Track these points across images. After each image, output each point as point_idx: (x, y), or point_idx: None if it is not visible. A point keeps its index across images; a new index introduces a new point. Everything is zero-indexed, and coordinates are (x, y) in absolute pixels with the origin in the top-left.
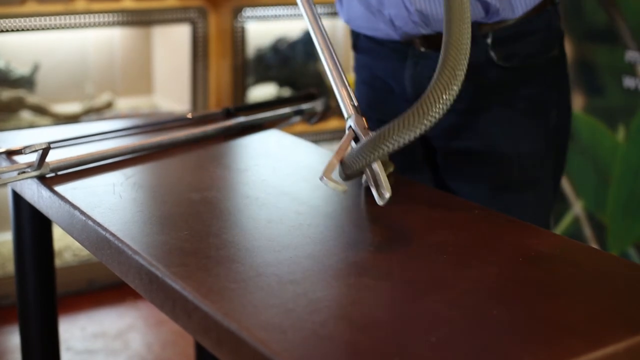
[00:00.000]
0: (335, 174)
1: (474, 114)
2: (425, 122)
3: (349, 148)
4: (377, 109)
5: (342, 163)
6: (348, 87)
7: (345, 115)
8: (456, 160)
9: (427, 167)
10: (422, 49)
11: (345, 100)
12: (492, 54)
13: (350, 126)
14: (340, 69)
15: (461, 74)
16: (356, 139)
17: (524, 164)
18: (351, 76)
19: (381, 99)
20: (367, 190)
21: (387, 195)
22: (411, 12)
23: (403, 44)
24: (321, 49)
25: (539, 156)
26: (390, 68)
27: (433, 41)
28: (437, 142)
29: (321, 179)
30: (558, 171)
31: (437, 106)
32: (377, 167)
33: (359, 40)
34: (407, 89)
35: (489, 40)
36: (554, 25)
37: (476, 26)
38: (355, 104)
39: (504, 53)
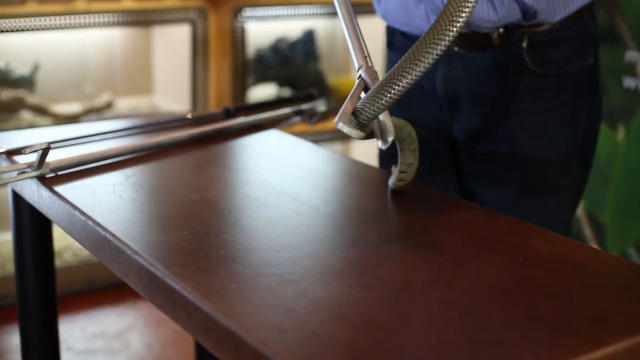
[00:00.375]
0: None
1: (503, 118)
2: (429, 58)
3: (360, 97)
4: (406, 108)
5: (354, 111)
6: (361, 38)
7: (357, 66)
8: (482, 163)
9: (452, 170)
10: (456, 49)
11: (357, 50)
12: (527, 58)
13: (361, 75)
14: (354, 20)
15: (462, 19)
16: (366, 89)
17: (550, 169)
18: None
19: (411, 99)
20: (367, 190)
21: (391, 138)
22: None
23: None
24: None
25: (565, 163)
26: None
27: (467, 41)
28: (464, 145)
29: (336, 123)
30: (582, 179)
31: (440, 42)
32: (382, 114)
33: (394, 38)
34: (437, 88)
35: (524, 44)
36: (590, 34)
37: (513, 28)
38: (367, 54)
39: (538, 58)
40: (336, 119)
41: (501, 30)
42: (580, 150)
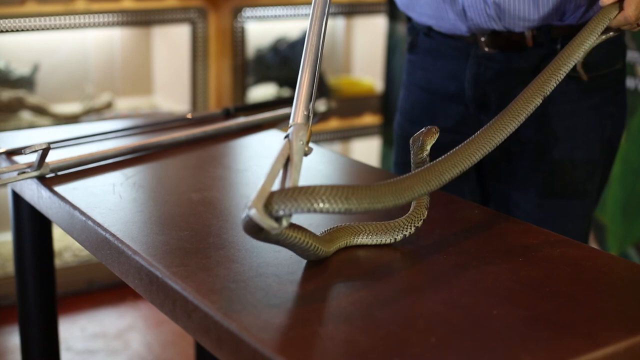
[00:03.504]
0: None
1: (532, 120)
2: (382, 203)
3: (279, 173)
4: (431, 114)
5: (272, 199)
6: (315, 88)
7: (290, 121)
8: (508, 166)
9: (476, 176)
10: (486, 49)
11: (301, 101)
12: None
13: (288, 137)
14: (318, 67)
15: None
16: (288, 161)
17: (576, 173)
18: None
19: (436, 104)
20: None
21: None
22: (488, 3)
23: (466, 43)
24: (310, 37)
25: (590, 167)
26: (450, 68)
27: (499, 40)
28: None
29: (249, 209)
30: (602, 183)
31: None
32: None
33: (418, 39)
34: (466, 90)
35: (558, 47)
36: (620, 39)
37: (547, 29)
38: (310, 114)
39: None
40: (250, 202)
41: (534, 31)
42: (605, 155)
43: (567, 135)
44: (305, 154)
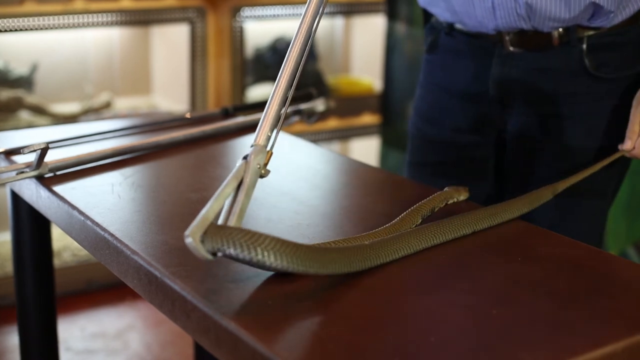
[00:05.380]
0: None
1: (556, 120)
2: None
3: (230, 196)
4: (450, 114)
5: (211, 229)
6: (283, 114)
7: (252, 142)
8: (529, 166)
9: (494, 175)
10: (511, 48)
11: (267, 122)
12: (586, 61)
13: (247, 157)
14: (292, 87)
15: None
16: (240, 185)
17: (597, 174)
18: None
19: (456, 104)
20: (366, 190)
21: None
22: (520, 3)
23: (490, 42)
24: (289, 55)
25: (609, 168)
26: (473, 67)
27: (525, 39)
28: (512, 146)
29: (186, 237)
30: (617, 186)
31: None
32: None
33: (439, 38)
34: (490, 90)
35: (584, 46)
36: None
37: (574, 29)
38: (273, 136)
39: (597, 61)
40: (188, 230)
41: (561, 30)
42: (621, 157)
43: (590, 136)
44: (261, 176)
